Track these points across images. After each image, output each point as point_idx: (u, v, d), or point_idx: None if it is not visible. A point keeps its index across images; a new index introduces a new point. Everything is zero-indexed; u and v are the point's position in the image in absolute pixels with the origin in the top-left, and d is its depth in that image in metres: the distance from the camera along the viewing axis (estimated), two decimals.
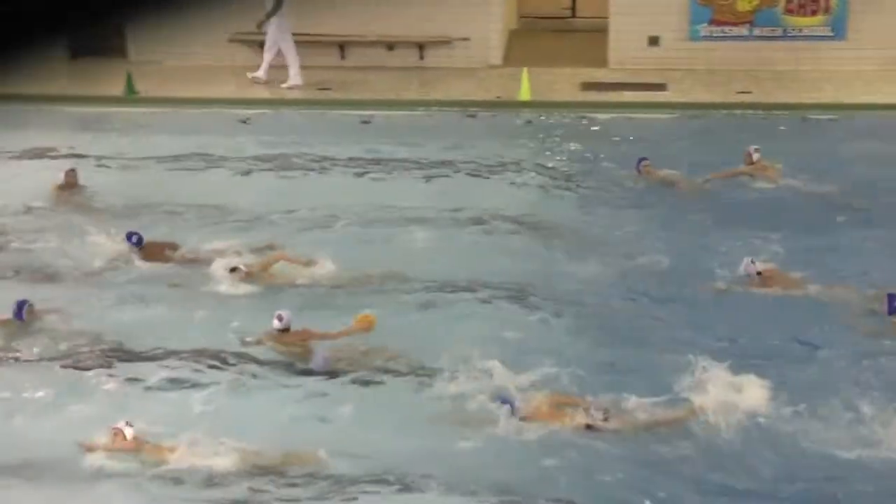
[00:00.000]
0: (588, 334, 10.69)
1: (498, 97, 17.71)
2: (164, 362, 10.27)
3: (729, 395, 9.24)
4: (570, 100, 17.55)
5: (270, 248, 12.33)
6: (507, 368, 9.62)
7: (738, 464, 8.71)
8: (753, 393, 9.28)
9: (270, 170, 15.25)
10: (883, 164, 14.71)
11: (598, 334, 10.69)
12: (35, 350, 10.50)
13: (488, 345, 10.16)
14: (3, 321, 10.72)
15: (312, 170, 15.19)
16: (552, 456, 8.77)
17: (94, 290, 11.76)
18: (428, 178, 14.84)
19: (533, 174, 14.82)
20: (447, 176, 14.89)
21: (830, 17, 18.49)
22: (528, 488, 8.51)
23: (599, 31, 19.29)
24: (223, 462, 8.71)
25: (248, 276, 11.54)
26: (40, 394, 9.81)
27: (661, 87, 17.96)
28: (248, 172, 15.21)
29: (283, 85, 18.27)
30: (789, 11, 18.58)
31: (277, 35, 18.18)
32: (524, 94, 17.47)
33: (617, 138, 16.19)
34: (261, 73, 18.34)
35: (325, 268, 11.81)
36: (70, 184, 14.21)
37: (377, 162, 15.28)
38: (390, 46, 19.12)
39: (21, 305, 10.71)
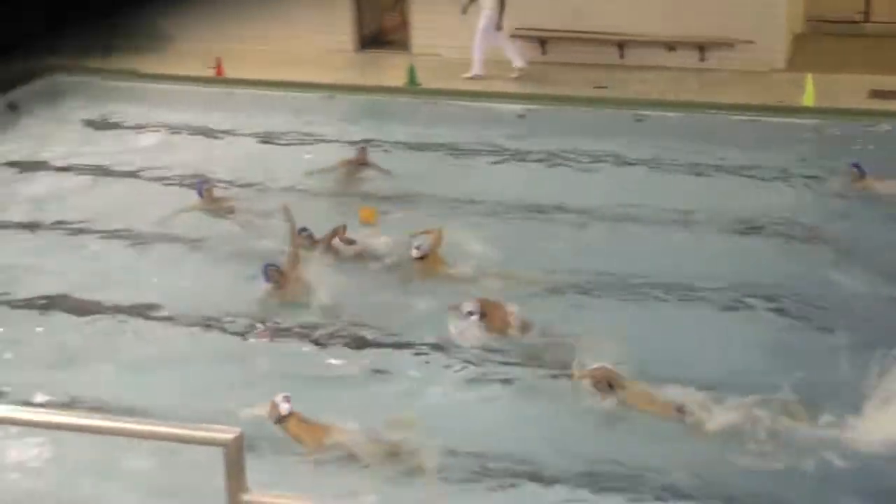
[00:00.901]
0: (853, 348, 10.28)
1: (780, 102, 17.21)
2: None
3: None
4: (857, 107, 16.84)
5: None
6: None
7: None
8: None
9: (540, 163, 15.44)
10: None
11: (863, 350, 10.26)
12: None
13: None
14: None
15: (581, 166, 15.27)
16: None
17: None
18: (697, 178, 14.68)
19: (806, 180, 14.38)
20: (716, 177, 14.67)
21: None
22: None
23: (893, 37, 18.44)
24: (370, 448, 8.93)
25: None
26: None
27: None
28: (519, 165, 15.50)
29: (465, 75, 18.56)
30: None
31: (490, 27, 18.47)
32: (808, 99, 16.90)
33: None
34: (520, 63, 18.58)
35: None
36: (360, 160, 14.97)
37: (646, 162, 15.22)
38: (670, 47, 18.89)
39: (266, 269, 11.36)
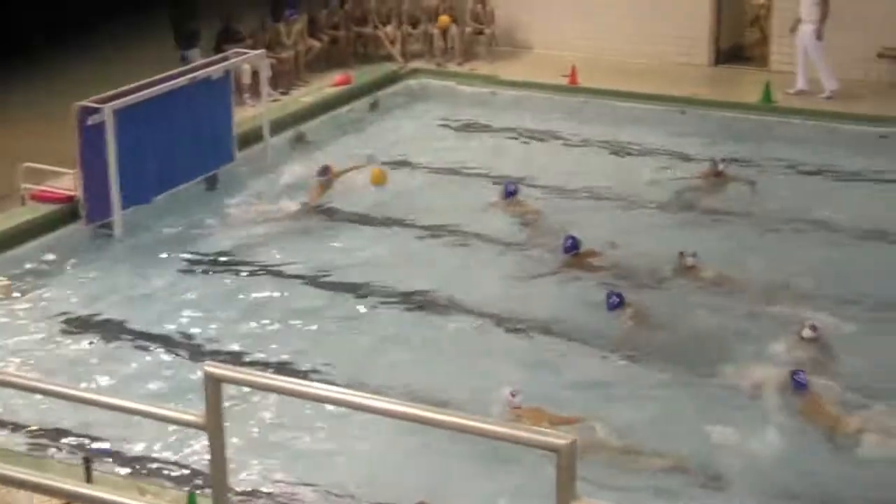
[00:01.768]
0: None
1: None
2: None
3: None
4: None
5: None
6: None
7: None
8: None
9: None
10: None
11: None
12: None
13: None
14: None
15: None
16: None
17: None
18: None
19: None
20: None
21: None
22: None
23: None
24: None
25: None
26: None
27: None
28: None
29: (822, 95, 17.69)
30: None
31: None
32: None
33: None
34: (833, 85, 17.77)
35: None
36: (714, 173, 15.04)
37: None
38: None
39: None
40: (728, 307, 11.91)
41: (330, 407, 8.34)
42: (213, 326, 11.84)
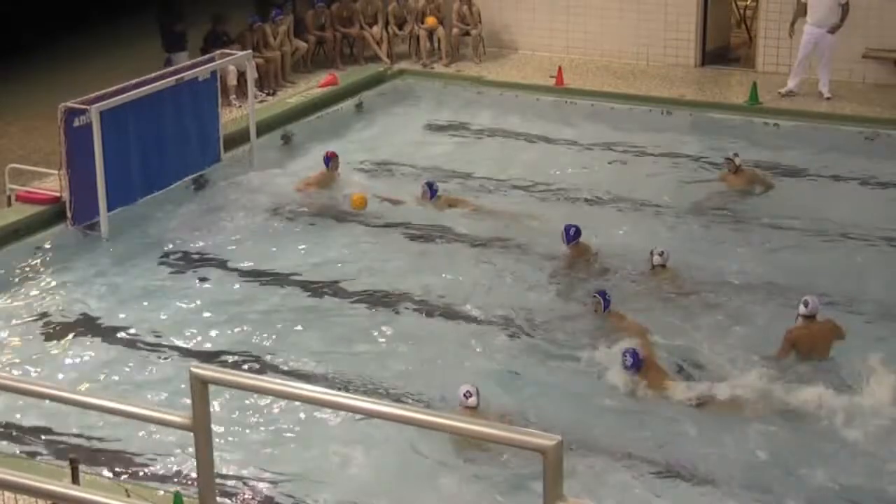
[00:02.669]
0: None
1: None
2: None
3: None
4: None
5: None
6: None
7: None
8: None
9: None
10: None
11: None
12: None
13: None
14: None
15: None
16: None
17: None
18: None
19: None
20: None
21: None
22: None
23: None
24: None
25: None
26: None
27: None
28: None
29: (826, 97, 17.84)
30: None
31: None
32: None
33: None
34: (826, 91, 17.80)
35: None
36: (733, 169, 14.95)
37: None
38: None
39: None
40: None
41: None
42: (201, 327, 11.82)
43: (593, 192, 15.10)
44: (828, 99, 17.80)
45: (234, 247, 13.66)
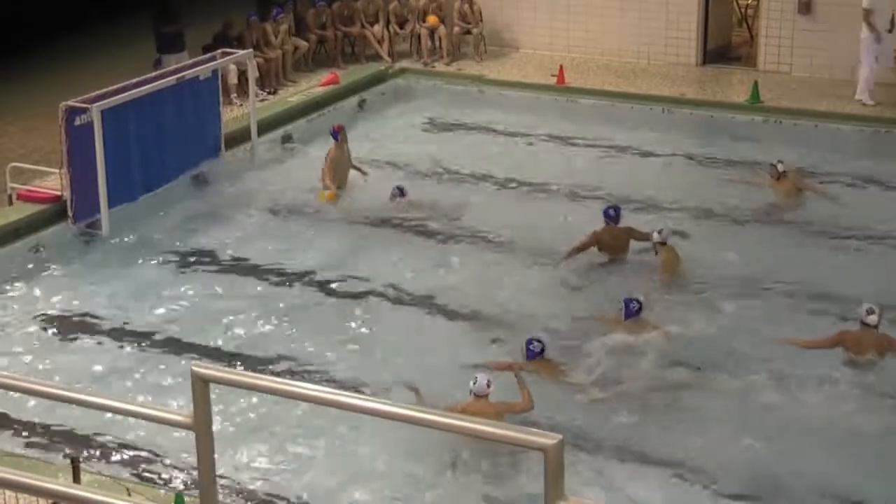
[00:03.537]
0: None
1: None
2: None
3: None
4: None
5: None
6: None
7: None
8: None
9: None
10: None
11: None
12: None
13: None
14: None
15: None
16: None
17: None
18: None
19: None
20: None
21: None
22: None
23: None
24: None
25: None
26: None
27: None
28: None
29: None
30: None
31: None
32: None
33: None
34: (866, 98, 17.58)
35: None
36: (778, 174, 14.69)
37: None
38: None
39: None
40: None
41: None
42: (203, 324, 11.83)
43: (597, 190, 15.09)
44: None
45: (234, 245, 13.67)
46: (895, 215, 14.22)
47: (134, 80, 14.25)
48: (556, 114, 18.20)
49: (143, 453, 9.58)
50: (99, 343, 11.52)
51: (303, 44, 19.66)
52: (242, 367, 10.48)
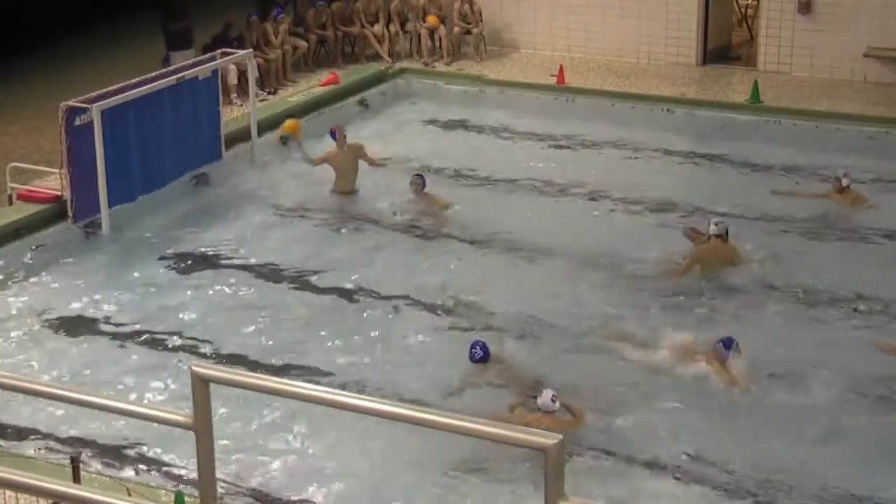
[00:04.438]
0: None
1: None
2: None
3: None
4: None
5: None
6: None
7: None
8: None
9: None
10: None
11: None
12: None
13: None
14: None
15: None
16: None
17: None
18: None
19: None
20: None
21: None
22: None
23: None
24: None
25: None
26: None
27: None
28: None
29: None
30: None
31: None
32: None
33: None
34: None
35: None
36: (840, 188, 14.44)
37: None
38: None
39: None
40: None
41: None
42: (202, 323, 11.83)
43: (597, 191, 15.10)
44: None
45: (234, 245, 13.67)
46: None
47: (134, 80, 14.25)
48: (557, 114, 18.17)
49: (144, 453, 9.58)
50: (98, 342, 11.51)
51: (302, 44, 19.66)
52: (243, 367, 10.46)
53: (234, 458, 9.43)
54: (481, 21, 20.32)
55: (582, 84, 18.91)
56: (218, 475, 4.21)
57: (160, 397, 10.27)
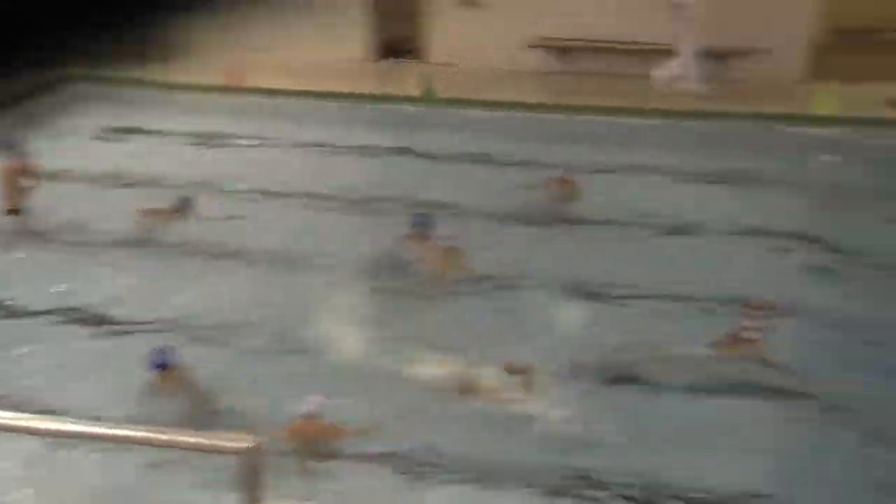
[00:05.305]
0: None
1: (796, 111, 17.16)
2: None
3: None
4: (872, 116, 16.79)
5: None
6: None
7: None
8: None
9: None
10: None
11: None
12: None
13: None
14: None
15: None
16: None
17: None
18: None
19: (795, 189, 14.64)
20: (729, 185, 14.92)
21: None
22: None
23: None
24: None
25: None
26: None
27: None
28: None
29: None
30: None
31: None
32: (824, 107, 16.91)
33: None
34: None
35: None
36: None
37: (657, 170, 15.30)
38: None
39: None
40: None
41: None
42: None
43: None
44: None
45: None
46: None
47: None
48: (240, 114, 17.97)
49: None
50: None
51: None
52: None
53: None
54: None
55: (254, 85, 18.79)
56: None
57: None
